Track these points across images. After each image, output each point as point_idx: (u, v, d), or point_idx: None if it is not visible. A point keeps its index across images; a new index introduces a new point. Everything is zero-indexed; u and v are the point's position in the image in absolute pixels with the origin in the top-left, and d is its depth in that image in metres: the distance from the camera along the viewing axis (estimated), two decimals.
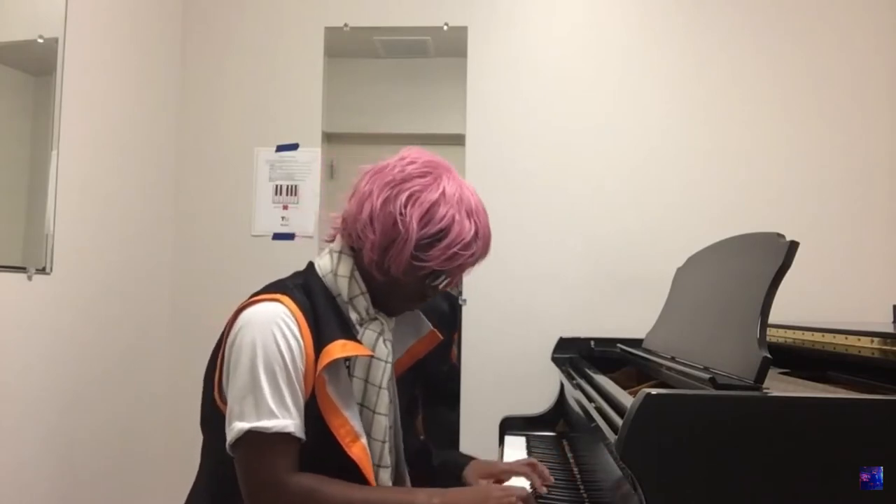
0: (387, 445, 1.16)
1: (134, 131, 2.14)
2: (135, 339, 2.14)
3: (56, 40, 1.77)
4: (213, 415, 1.12)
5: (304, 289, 1.13)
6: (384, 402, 1.15)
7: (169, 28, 2.35)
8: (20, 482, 1.67)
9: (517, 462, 1.35)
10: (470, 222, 1.13)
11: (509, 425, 1.87)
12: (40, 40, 1.74)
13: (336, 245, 1.19)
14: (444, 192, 1.12)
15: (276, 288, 1.13)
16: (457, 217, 1.12)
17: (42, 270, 1.73)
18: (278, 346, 1.05)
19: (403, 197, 1.11)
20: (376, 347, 1.14)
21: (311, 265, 1.20)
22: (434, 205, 1.11)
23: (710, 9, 2.25)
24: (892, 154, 2.18)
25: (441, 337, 1.31)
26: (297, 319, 1.07)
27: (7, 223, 1.68)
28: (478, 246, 1.15)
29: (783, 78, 2.22)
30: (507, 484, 1.25)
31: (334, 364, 1.07)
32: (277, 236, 2.32)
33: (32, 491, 1.71)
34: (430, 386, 2.27)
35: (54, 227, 1.76)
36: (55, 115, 1.76)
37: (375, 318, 1.17)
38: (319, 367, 1.06)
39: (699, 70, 2.24)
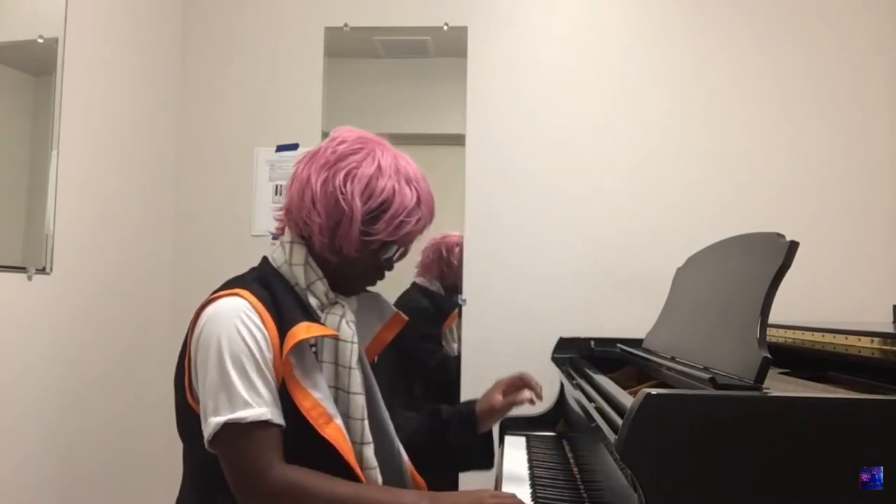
0: (366, 423, 1.15)
1: (134, 131, 2.14)
2: (135, 339, 2.14)
3: (56, 40, 1.77)
4: (188, 417, 1.12)
5: (261, 281, 1.14)
6: (357, 381, 1.15)
7: (169, 28, 2.35)
8: (20, 482, 1.67)
9: (511, 377, 1.41)
10: (410, 189, 1.16)
11: (509, 425, 1.87)
12: (40, 40, 1.74)
13: (286, 236, 1.20)
14: (379, 165, 1.14)
15: (233, 284, 1.14)
16: (396, 187, 1.14)
17: (42, 270, 1.73)
18: (243, 338, 1.05)
19: (341, 176, 1.13)
20: (340, 329, 1.15)
21: (265, 259, 1.22)
22: (372, 178, 1.13)
23: (710, 9, 2.25)
24: (892, 154, 2.18)
25: (406, 318, 1.32)
26: (258, 311, 1.08)
27: (7, 223, 1.68)
28: (422, 211, 1.18)
29: (783, 78, 2.22)
30: (502, 490, 1.25)
31: (299, 348, 1.08)
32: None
33: (32, 491, 1.71)
34: (425, 383, 2.29)
35: (54, 227, 1.76)
36: (55, 115, 1.76)
37: (336, 302, 1.18)
38: (286, 350, 1.05)
39: (699, 70, 2.24)
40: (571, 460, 1.55)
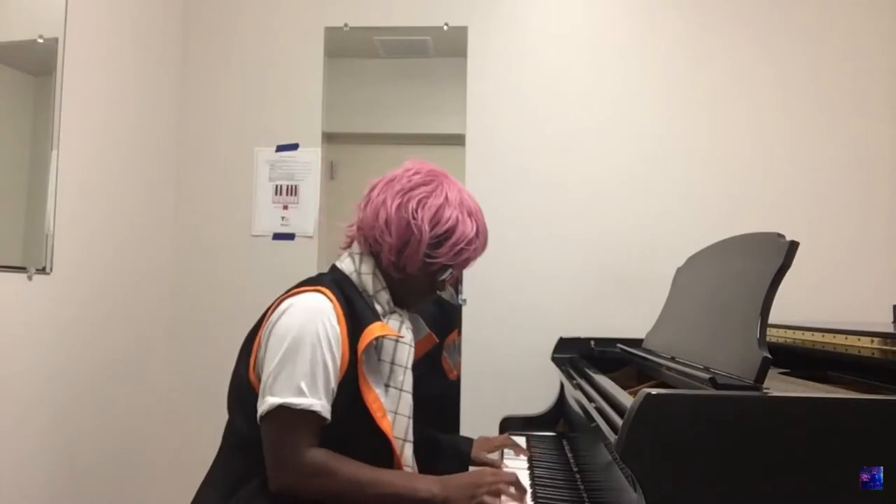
0: (411, 421, 1.28)
1: (134, 131, 2.14)
2: (135, 339, 2.14)
3: (56, 40, 1.77)
4: (245, 393, 1.21)
5: (336, 284, 1.26)
6: (409, 381, 1.28)
7: (169, 28, 2.35)
8: (20, 481, 1.67)
9: (500, 438, 1.65)
10: (471, 221, 1.30)
11: (509, 425, 1.87)
12: (40, 40, 1.74)
13: (356, 248, 1.33)
14: (447, 197, 1.28)
15: (313, 282, 1.26)
16: (460, 217, 1.28)
17: (42, 270, 1.73)
18: (317, 332, 1.16)
19: (414, 203, 1.26)
20: (401, 332, 1.28)
21: (334, 266, 1.33)
22: (440, 208, 1.27)
23: (711, 9, 2.25)
24: (893, 154, 2.18)
25: (436, 340, 1.46)
26: (335, 309, 1.19)
27: (7, 223, 1.68)
28: (479, 241, 1.32)
29: (783, 78, 2.22)
30: (501, 469, 1.37)
31: (367, 348, 1.19)
32: (277, 236, 2.32)
33: (32, 490, 1.71)
34: (419, 403, 2.22)
35: (54, 227, 1.76)
36: (55, 115, 1.76)
37: (395, 311, 1.31)
38: (361, 345, 1.18)
39: (699, 70, 2.24)
40: (571, 460, 1.55)
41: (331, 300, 1.20)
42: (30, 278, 1.69)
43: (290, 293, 1.23)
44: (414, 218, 1.25)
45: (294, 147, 2.34)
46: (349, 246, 1.35)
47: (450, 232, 1.27)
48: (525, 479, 1.36)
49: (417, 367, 1.41)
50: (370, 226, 1.28)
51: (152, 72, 2.24)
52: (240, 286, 2.29)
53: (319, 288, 1.22)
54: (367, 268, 1.29)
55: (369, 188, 1.33)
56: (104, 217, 1.99)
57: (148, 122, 2.22)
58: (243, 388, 1.22)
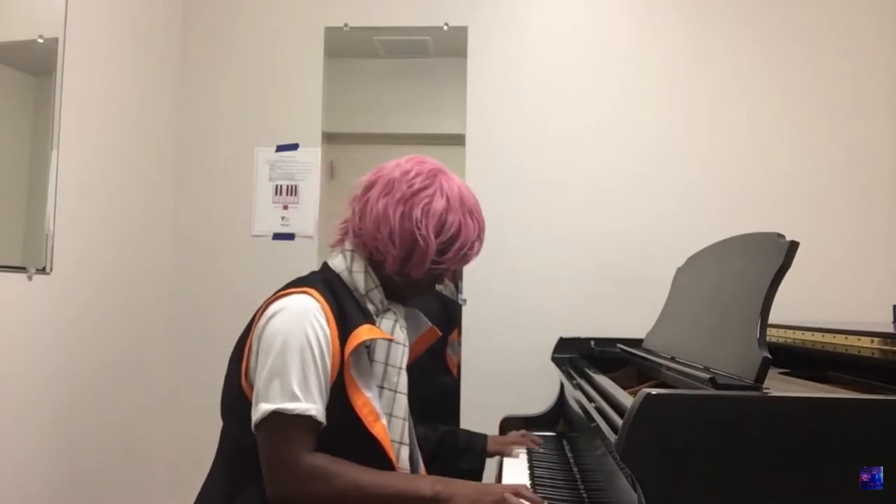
0: (408, 423, 1.25)
1: (134, 131, 2.14)
2: (134, 339, 2.14)
3: (56, 40, 1.77)
4: (238, 401, 1.18)
5: (325, 283, 1.23)
6: (404, 382, 1.25)
7: (169, 28, 2.35)
8: (19, 482, 1.67)
9: (513, 434, 1.68)
10: (473, 221, 1.27)
11: (509, 425, 1.87)
12: (40, 40, 1.74)
13: (348, 245, 1.29)
14: (448, 199, 1.25)
15: (302, 283, 1.23)
16: (462, 220, 1.25)
17: (42, 270, 1.73)
18: (307, 335, 1.13)
19: (417, 211, 1.23)
20: (394, 333, 1.25)
21: (325, 265, 1.30)
22: (443, 213, 1.24)
23: (710, 9, 2.25)
24: (893, 154, 2.18)
25: (440, 333, 1.43)
26: (324, 311, 1.16)
27: (7, 223, 1.68)
28: (481, 239, 1.30)
29: (784, 78, 2.22)
30: (507, 482, 1.32)
31: (356, 349, 1.16)
32: (277, 236, 2.32)
33: (31, 490, 1.71)
34: (424, 398, 2.22)
35: (54, 227, 1.76)
36: (55, 115, 1.76)
37: (389, 309, 1.27)
38: (348, 349, 1.14)
39: (699, 70, 2.24)
40: (571, 460, 1.55)
41: (319, 301, 1.16)
42: (30, 278, 1.69)
43: (277, 295, 1.20)
44: (419, 228, 1.21)
45: (294, 147, 2.34)
46: (341, 243, 1.31)
47: (454, 237, 1.24)
48: (525, 480, 1.36)
49: (422, 362, 1.40)
50: (372, 236, 1.24)
51: (152, 72, 2.24)
52: (240, 286, 2.29)
53: (307, 289, 1.18)
54: (358, 266, 1.25)
55: (365, 187, 1.28)
56: (104, 217, 1.99)
57: (148, 122, 2.22)
58: (236, 396, 1.19)
